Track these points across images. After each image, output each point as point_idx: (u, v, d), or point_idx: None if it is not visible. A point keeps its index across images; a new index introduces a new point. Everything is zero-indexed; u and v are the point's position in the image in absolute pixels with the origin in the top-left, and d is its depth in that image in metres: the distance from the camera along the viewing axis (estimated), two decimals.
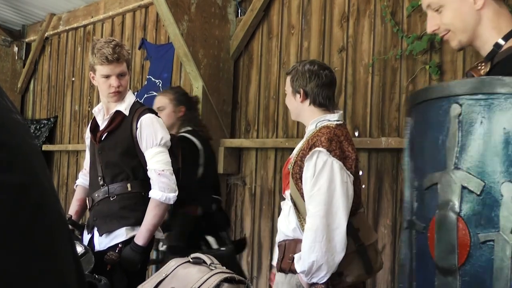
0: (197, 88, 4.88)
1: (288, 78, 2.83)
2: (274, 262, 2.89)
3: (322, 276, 2.44)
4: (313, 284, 2.49)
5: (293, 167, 2.63)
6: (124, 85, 3.04)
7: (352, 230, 2.56)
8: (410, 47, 3.81)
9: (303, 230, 2.54)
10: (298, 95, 2.77)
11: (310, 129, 2.73)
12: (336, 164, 2.49)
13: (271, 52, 4.85)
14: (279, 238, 2.76)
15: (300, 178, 2.58)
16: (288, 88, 2.83)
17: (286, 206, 2.72)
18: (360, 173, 4.04)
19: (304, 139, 2.70)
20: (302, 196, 2.57)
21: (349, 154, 2.58)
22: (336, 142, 2.56)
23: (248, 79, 5.02)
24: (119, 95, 3.05)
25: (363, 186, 4.05)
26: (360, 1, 4.21)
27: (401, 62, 3.94)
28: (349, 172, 2.54)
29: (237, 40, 4.99)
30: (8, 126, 0.61)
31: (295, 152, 2.71)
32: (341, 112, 2.82)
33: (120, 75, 3.01)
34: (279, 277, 2.70)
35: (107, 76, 2.99)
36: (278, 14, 4.81)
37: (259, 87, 4.92)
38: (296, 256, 2.52)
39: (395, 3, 3.98)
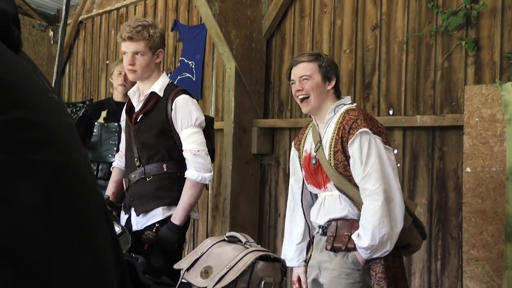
0: (229, 68, 4.88)
1: (315, 64, 2.76)
2: (296, 263, 2.89)
3: (386, 251, 2.50)
4: (373, 259, 2.53)
5: (333, 158, 2.64)
6: (140, 64, 3.03)
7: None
8: (445, 23, 3.73)
9: (358, 210, 2.59)
10: (327, 82, 2.76)
11: (329, 117, 2.74)
12: (379, 140, 2.58)
13: (304, 31, 4.81)
14: (322, 220, 2.74)
15: (345, 166, 2.61)
16: (315, 74, 2.74)
17: (331, 196, 2.71)
18: (395, 151, 4.00)
19: (331, 127, 2.68)
20: (351, 182, 2.60)
21: (381, 129, 2.65)
22: (370, 120, 2.64)
23: (280, 59, 5.00)
24: (135, 74, 3.06)
25: (398, 165, 4.01)
26: None
27: (436, 39, 3.87)
28: (387, 146, 2.62)
29: (269, 20, 4.96)
30: (45, 105, 0.62)
31: (327, 141, 2.69)
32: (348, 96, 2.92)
33: (135, 54, 3.03)
34: (325, 256, 2.69)
35: (124, 53, 3.04)
36: None
37: None
38: (355, 233, 2.54)
39: None
